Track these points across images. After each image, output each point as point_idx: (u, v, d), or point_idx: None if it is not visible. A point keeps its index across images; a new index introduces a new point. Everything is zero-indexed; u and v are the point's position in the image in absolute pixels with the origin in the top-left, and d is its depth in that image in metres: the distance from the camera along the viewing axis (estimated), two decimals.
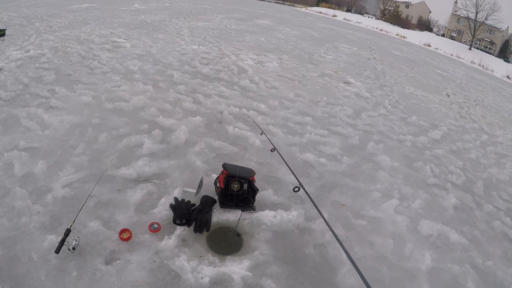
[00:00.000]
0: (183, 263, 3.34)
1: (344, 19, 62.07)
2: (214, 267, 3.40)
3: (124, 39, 12.40)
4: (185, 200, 4.06)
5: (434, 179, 6.45)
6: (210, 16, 23.86)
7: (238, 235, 3.92)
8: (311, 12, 66.62)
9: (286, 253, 3.81)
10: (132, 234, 3.57)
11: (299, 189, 3.40)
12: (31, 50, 9.33)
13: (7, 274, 3.01)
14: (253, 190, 4.33)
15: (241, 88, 9.06)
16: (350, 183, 5.58)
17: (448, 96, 14.72)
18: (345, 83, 12.12)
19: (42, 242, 3.31)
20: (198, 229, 3.75)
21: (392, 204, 5.11)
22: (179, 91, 7.99)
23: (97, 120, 5.97)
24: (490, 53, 66.22)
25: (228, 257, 3.57)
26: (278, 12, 43.29)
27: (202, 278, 3.24)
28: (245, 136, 6.33)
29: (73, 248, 3.21)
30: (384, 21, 78.20)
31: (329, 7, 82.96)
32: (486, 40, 72.93)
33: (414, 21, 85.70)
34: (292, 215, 4.28)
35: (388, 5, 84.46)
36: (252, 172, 4.38)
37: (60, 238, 3.21)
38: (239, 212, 4.11)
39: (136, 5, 23.76)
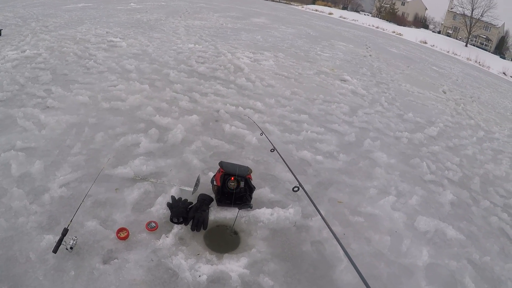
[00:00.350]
0: (181, 261, 3.35)
1: (340, 17, 62.15)
2: (212, 265, 3.40)
3: (120, 38, 12.38)
4: (182, 199, 4.07)
5: (431, 176, 6.47)
6: (206, 14, 23.83)
7: (235, 233, 3.93)
8: (307, 10, 66.60)
9: (284, 251, 3.82)
10: (130, 233, 3.57)
11: (298, 189, 3.41)
12: (27, 50, 9.31)
13: (5, 274, 3.01)
14: (250, 188, 4.33)
15: (238, 87, 9.07)
16: (347, 180, 5.59)
17: (445, 92, 14.74)
18: (342, 80, 12.13)
19: (40, 242, 3.31)
20: (195, 228, 3.75)
21: (389, 201, 5.12)
22: (176, 90, 7.98)
23: (93, 120, 5.97)
24: (486, 50, 66.44)
25: (226, 255, 3.58)
26: (274, 10, 43.27)
27: (199, 276, 3.24)
28: (242, 134, 6.33)
29: (71, 248, 3.21)
30: (380, 18, 78.32)
31: (325, 5, 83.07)
32: (482, 37, 73.11)
33: (410, 18, 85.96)
34: (289, 213, 4.28)
35: (384, 2, 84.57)
36: (249, 170, 4.39)
37: (57, 238, 3.21)
38: (236, 210, 4.11)
39: (132, 4, 23.71)
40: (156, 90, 7.85)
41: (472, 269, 4.28)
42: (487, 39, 74.00)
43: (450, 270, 4.17)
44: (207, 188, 4.47)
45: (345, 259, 3.78)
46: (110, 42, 11.59)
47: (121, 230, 3.57)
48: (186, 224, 3.81)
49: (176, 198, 4.06)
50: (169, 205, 3.95)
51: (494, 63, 45.56)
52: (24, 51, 9.22)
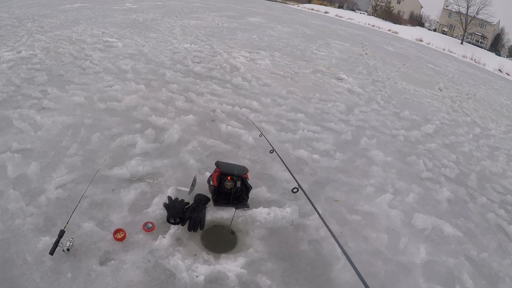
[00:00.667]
0: (178, 262, 3.34)
1: (336, 16, 62.16)
2: (209, 265, 3.40)
3: (116, 38, 12.35)
4: (179, 199, 4.06)
5: (428, 173, 6.48)
6: (202, 14, 23.80)
7: (232, 232, 3.93)
8: (303, 9, 66.52)
9: (281, 250, 3.82)
10: (126, 234, 3.56)
11: (298, 190, 3.41)
12: (23, 51, 9.27)
13: (2, 276, 3.00)
14: (246, 188, 4.33)
15: (234, 86, 9.06)
16: (343, 179, 5.60)
17: (441, 90, 14.77)
18: (338, 79, 12.14)
19: (36, 244, 3.30)
20: (192, 228, 3.75)
21: (386, 199, 5.13)
22: (172, 90, 7.97)
23: (89, 121, 5.95)
24: (481, 47, 66.63)
25: (223, 255, 3.58)
26: (270, 9, 43.24)
27: (197, 276, 3.24)
28: (238, 134, 6.32)
29: (68, 249, 3.20)
30: (376, 17, 78.39)
31: (321, 4, 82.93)
32: (478, 34, 73.32)
33: (405, 16, 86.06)
34: (286, 212, 4.29)
35: (379, 1, 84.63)
36: (245, 170, 4.39)
37: (54, 240, 3.19)
38: (233, 210, 4.11)
39: (128, 4, 23.66)
40: (152, 90, 7.83)
41: (470, 265, 4.30)
42: (483, 37, 74.22)
43: (448, 267, 4.18)
44: (203, 188, 4.47)
45: (343, 258, 3.78)
46: (106, 43, 11.56)
47: (118, 231, 3.56)
48: (183, 224, 3.81)
49: (173, 199, 4.06)
50: (166, 206, 3.94)
51: (490, 60, 45.73)
52: (20, 52, 9.19)
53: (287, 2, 77.03)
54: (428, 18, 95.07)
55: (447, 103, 12.55)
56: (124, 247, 3.47)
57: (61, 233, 3.21)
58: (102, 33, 13.09)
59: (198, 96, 7.90)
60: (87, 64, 8.89)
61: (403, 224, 4.75)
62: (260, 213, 4.18)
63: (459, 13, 68.00)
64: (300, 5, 73.68)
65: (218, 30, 18.10)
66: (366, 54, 19.86)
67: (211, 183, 4.29)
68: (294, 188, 3.42)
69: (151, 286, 3.13)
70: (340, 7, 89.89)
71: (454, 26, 74.89)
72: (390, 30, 55.87)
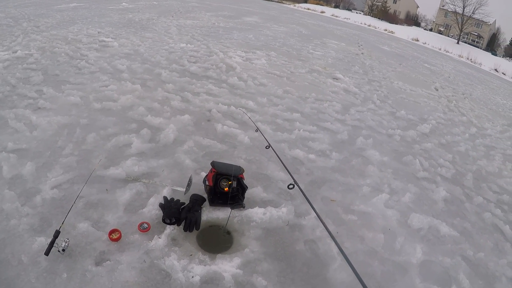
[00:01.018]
0: (174, 262, 3.34)
1: (332, 15, 62.24)
2: (205, 265, 3.39)
3: (112, 38, 12.32)
4: (175, 199, 4.05)
5: (424, 173, 6.49)
6: (198, 14, 23.78)
7: (228, 233, 3.92)
8: (299, 8, 66.55)
9: (277, 250, 3.81)
10: (122, 234, 3.56)
11: (293, 186, 3.41)
12: (19, 51, 9.24)
13: None
14: (242, 188, 4.33)
15: (230, 86, 9.05)
16: (339, 179, 5.60)
17: (437, 90, 14.81)
18: (334, 78, 12.14)
19: (32, 245, 3.29)
20: (188, 228, 3.74)
21: (382, 199, 5.13)
22: (168, 90, 7.96)
23: (85, 120, 5.93)
24: (477, 47, 66.85)
25: (219, 255, 3.57)
26: (266, 9, 43.25)
27: (192, 277, 3.24)
28: (234, 133, 6.32)
29: (63, 250, 3.19)
30: (372, 16, 78.49)
31: (317, 4, 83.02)
32: (474, 34, 73.54)
33: (402, 16, 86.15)
34: (282, 212, 4.29)
35: (376, 0, 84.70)
36: (241, 170, 4.39)
37: (49, 240, 3.19)
38: (228, 210, 4.10)
39: (124, 4, 23.62)
40: (148, 90, 7.82)
41: (466, 265, 4.31)
42: (479, 36, 74.42)
43: (444, 267, 4.19)
44: (199, 188, 4.46)
45: (339, 258, 3.78)
46: (102, 42, 11.54)
47: (113, 231, 3.55)
48: (178, 224, 3.80)
49: (168, 199, 4.05)
50: (161, 206, 3.93)
51: (486, 60, 45.86)
52: (16, 52, 9.16)
53: (283, 1, 77.07)
54: (424, 17, 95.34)
55: (443, 103, 12.58)
56: (120, 247, 3.46)
57: (57, 234, 3.21)
58: (98, 32, 13.06)
59: (194, 96, 7.89)
60: (82, 64, 8.87)
61: (399, 224, 4.75)
62: (256, 213, 4.18)
63: (455, 12, 68.15)
64: (296, 4, 73.73)
65: (214, 29, 18.09)
66: (362, 53, 19.89)
67: (207, 183, 4.28)
68: (290, 184, 3.43)
69: (146, 286, 3.12)
70: (336, 6, 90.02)
71: (450, 26, 75.11)
72: (386, 30, 55.96)
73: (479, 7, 65.77)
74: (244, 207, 4.26)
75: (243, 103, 7.88)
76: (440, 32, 77.13)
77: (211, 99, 7.83)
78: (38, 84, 7.26)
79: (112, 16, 17.57)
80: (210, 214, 4.10)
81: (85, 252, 3.33)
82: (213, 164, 4.36)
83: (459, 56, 44.76)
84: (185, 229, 3.74)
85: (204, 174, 4.68)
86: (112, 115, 6.30)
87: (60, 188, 4.18)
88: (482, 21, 70.92)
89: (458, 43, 61.70)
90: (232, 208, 4.12)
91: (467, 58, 44.07)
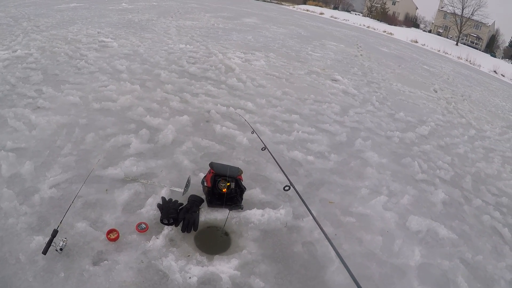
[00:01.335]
0: (171, 263, 3.33)
1: (331, 17, 62.32)
2: (202, 266, 3.39)
3: (111, 38, 12.32)
4: (173, 200, 4.05)
5: (423, 175, 6.49)
6: (197, 15, 23.78)
7: (226, 234, 3.92)
8: (298, 10, 66.64)
9: (275, 252, 3.81)
10: (120, 235, 3.55)
11: (289, 188, 3.41)
12: (18, 50, 9.25)
13: None
14: (240, 189, 4.33)
15: (229, 87, 9.05)
16: (338, 180, 5.60)
17: (436, 91, 14.82)
18: (333, 80, 12.15)
19: (30, 243, 3.29)
20: (186, 229, 3.74)
21: (381, 201, 5.13)
22: (167, 91, 7.96)
23: (84, 120, 5.93)
24: (476, 48, 66.95)
25: (216, 256, 3.57)
26: (265, 10, 43.28)
27: (190, 277, 3.23)
28: (233, 134, 6.32)
29: (61, 249, 3.19)
30: (371, 18, 78.54)
31: (316, 5, 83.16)
32: (473, 36, 73.62)
33: (401, 17, 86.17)
34: (280, 214, 4.28)
35: (375, 2, 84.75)
36: (239, 171, 4.39)
37: (47, 239, 3.19)
38: (226, 211, 4.10)
39: (123, 4, 23.61)
40: (147, 90, 7.82)
41: (465, 268, 4.30)
42: (478, 38, 74.48)
43: (443, 270, 4.18)
44: (197, 189, 4.45)
45: (337, 260, 3.77)
46: (102, 42, 11.54)
47: (111, 231, 3.55)
48: (176, 225, 3.80)
49: (167, 199, 4.05)
50: (160, 206, 3.93)
51: (485, 61, 45.94)
52: (15, 51, 9.16)
53: (282, 3, 77.12)
54: (423, 19, 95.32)
55: (442, 105, 12.59)
56: (117, 247, 3.46)
57: (54, 233, 3.21)
58: (98, 33, 13.06)
59: (193, 96, 7.89)
60: (82, 64, 8.87)
61: (398, 226, 4.75)
62: (254, 214, 4.17)
63: (454, 14, 68.18)
64: (295, 6, 73.83)
65: (213, 30, 18.10)
66: (361, 55, 19.92)
67: (205, 184, 4.28)
68: (286, 186, 3.43)
69: (144, 287, 3.12)
70: (335, 8, 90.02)
71: (449, 27, 75.14)
72: (385, 31, 56.03)
73: (478, 8, 65.85)
74: (242, 209, 4.26)
75: (242, 104, 7.88)
76: (439, 34, 77.21)
77: (210, 100, 7.83)
78: (37, 83, 7.26)
79: (112, 17, 17.56)
80: (208, 215, 4.10)
81: (83, 252, 3.33)
82: (212, 165, 4.37)
83: (458, 57, 44.85)
84: (183, 230, 3.74)
85: (202, 175, 4.68)
86: (111, 115, 6.30)
87: (59, 188, 4.18)
88: (481, 22, 70.96)
89: (457, 44, 61.80)
90: (230, 209, 4.12)
91: (466, 60, 44.16)
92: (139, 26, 15.96)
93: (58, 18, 15.29)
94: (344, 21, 58.27)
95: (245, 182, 4.48)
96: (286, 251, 3.86)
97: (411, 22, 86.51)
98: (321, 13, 65.82)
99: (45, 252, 3.10)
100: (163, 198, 4.07)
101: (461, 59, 44.35)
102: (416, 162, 6.82)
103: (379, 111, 9.75)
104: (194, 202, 4.09)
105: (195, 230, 3.80)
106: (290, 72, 11.99)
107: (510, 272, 4.48)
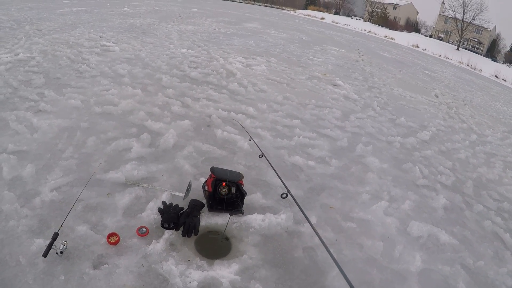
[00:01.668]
0: (171, 267, 3.33)
1: (332, 22, 62.39)
2: (203, 271, 3.39)
3: (113, 42, 12.35)
4: (173, 204, 4.05)
5: (424, 180, 6.48)
6: (199, 19, 23.84)
7: (227, 239, 3.92)
8: (300, 15, 66.84)
9: (275, 257, 3.80)
10: (120, 238, 3.55)
11: (287, 195, 3.41)
12: (21, 54, 9.28)
13: None
14: (241, 194, 4.32)
15: (230, 92, 9.06)
16: (339, 186, 5.59)
17: (437, 96, 14.82)
18: (334, 85, 12.16)
19: (30, 246, 3.29)
20: (186, 233, 3.73)
21: (382, 206, 5.12)
22: (168, 95, 7.97)
23: (85, 124, 5.94)
24: (477, 53, 66.87)
25: (217, 261, 3.56)
26: (267, 15, 43.40)
27: (190, 282, 3.23)
28: (234, 139, 6.32)
29: (61, 252, 3.19)
30: (372, 23, 78.56)
31: (317, 10, 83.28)
32: (474, 40, 73.64)
33: (402, 22, 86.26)
34: (281, 219, 4.28)
35: (376, 7, 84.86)
36: (240, 176, 4.38)
37: (48, 242, 3.19)
38: (227, 216, 4.10)
39: (125, 9, 23.68)
40: (149, 94, 7.83)
41: (466, 274, 4.29)
42: (479, 42, 74.50)
43: (444, 275, 4.17)
44: (198, 193, 4.45)
45: None
46: (103, 47, 11.57)
47: (111, 235, 3.55)
48: (177, 229, 3.80)
49: (167, 204, 4.05)
50: (160, 211, 3.93)
51: (486, 66, 45.87)
52: (18, 54, 9.20)
53: (284, 8, 77.33)
54: (424, 24, 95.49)
55: (443, 110, 12.59)
56: (118, 251, 3.45)
57: (55, 236, 3.21)
58: (100, 37, 13.10)
59: (194, 101, 7.90)
60: (84, 68, 8.89)
61: (399, 231, 4.74)
62: (254, 219, 4.17)
63: (455, 19, 68.16)
64: (297, 11, 74.08)
65: (215, 35, 18.14)
66: (362, 60, 19.93)
67: (206, 189, 4.28)
68: (283, 193, 3.43)
69: None
70: (336, 13, 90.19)
71: (450, 32, 75.20)
72: (386, 36, 56.06)
73: (479, 13, 65.82)
74: (243, 213, 4.26)
75: (243, 109, 7.88)
76: (440, 39, 77.24)
77: (211, 105, 7.83)
78: (39, 87, 7.29)
79: (114, 21, 17.61)
80: (209, 220, 4.10)
81: (83, 255, 3.33)
82: (213, 170, 4.36)
83: (459, 62, 44.81)
84: (184, 234, 3.74)
85: (203, 179, 4.68)
86: (113, 119, 6.30)
87: (60, 191, 4.18)
88: (482, 27, 71.01)
89: (458, 49, 61.73)
90: (231, 214, 4.12)
91: (467, 65, 44.12)
92: (140, 30, 16.01)
93: (61, 22, 15.34)
94: (345, 26, 58.36)
95: (246, 187, 4.48)
96: (286, 256, 3.86)
97: (412, 27, 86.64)
98: (322, 18, 65.94)
99: (45, 255, 3.10)
100: (163, 203, 4.07)
101: (462, 63, 44.31)
102: (417, 167, 6.81)
103: (380, 116, 9.75)
104: (195, 207, 4.08)
105: (195, 234, 3.79)
106: (291, 77, 12.00)
107: (511, 277, 4.46)
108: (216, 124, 6.86)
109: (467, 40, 72.02)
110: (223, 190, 4.19)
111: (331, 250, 2.70)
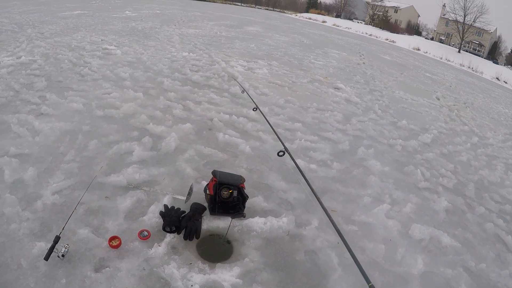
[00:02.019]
0: (173, 270, 3.33)
1: (334, 25, 62.48)
2: (204, 274, 3.38)
3: (115, 46, 12.39)
4: (175, 208, 4.05)
5: (425, 183, 6.47)
6: (200, 23, 23.90)
7: (228, 242, 3.91)
8: (301, 18, 66.96)
9: (277, 260, 3.80)
10: (122, 242, 3.55)
11: (284, 154, 3.40)
12: (23, 57, 9.33)
13: None
14: (243, 197, 4.32)
15: (231, 95, 9.05)
16: (340, 189, 5.58)
17: (438, 99, 14.80)
18: (335, 88, 12.15)
19: (32, 249, 3.29)
20: (188, 237, 3.73)
21: (383, 209, 5.11)
22: (169, 98, 7.98)
23: (87, 127, 5.95)
24: (479, 55, 66.94)
25: (218, 264, 3.56)
26: (268, 18, 43.47)
27: (192, 285, 3.23)
28: (235, 143, 6.32)
29: (63, 255, 3.19)
30: (373, 26, 78.71)
31: (318, 13, 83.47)
32: (475, 43, 73.68)
33: (403, 25, 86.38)
34: (283, 222, 4.27)
35: (377, 10, 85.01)
36: (241, 179, 4.38)
37: (49, 245, 3.19)
38: (229, 219, 4.09)
39: (127, 12, 23.75)
40: (150, 98, 7.84)
41: (468, 276, 4.27)
42: (480, 45, 74.55)
43: (446, 278, 4.16)
44: (200, 197, 4.45)
45: (339, 269, 3.78)
46: (105, 50, 11.61)
47: (113, 238, 3.55)
48: (178, 233, 3.80)
49: (169, 207, 4.05)
50: (162, 214, 3.93)
51: (487, 68, 45.86)
52: (20, 58, 9.25)
53: (285, 11, 77.46)
54: (425, 27, 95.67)
55: (444, 112, 12.57)
56: (119, 254, 3.45)
57: (57, 239, 3.21)
58: (101, 40, 13.15)
59: (196, 104, 7.91)
60: (85, 71, 8.92)
61: (400, 234, 4.73)
62: (256, 222, 4.17)
63: (456, 21, 68.16)
64: (298, 14, 74.22)
65: (216, 39, 18.18)
66: (364, 63, 19.94)
67: (208, 192, 4.28)
68: (280, 151, 3.42)
69: None
70: (337, 16, 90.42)
71: (451, 35, 75.24)
72: (388, 39, 56.06)
73: (480, 15, 65.79)
74: (244, 217, 4.25)
75: (245, 113, 7.88)
76: (441, 41, 77.33)
77: (213, 108, 7.84)
78: (41, 90, 7.31)
79: (116, 24, 17.67)
80: (211, 223, 4.10)
81: (85, 258, 3.33)
82: (214, 173, 4.36)
83: (460, 65, 44.80)
84: (185, 238, 3.74)
85: (205, 183, 4.67)
86: (114, 123, 6.31)
87: (61, 194, 4.19)
88: (483, 29, 71.01)
89: (459, 52, 61.74)
90: (232, 217, 4.12)
91: (469, 67, 44.13)
92: (142, 34, 16.05)
93: (62, 25, 15.40)
94: (346, 29, 58.49)
95: (247, 190, 4.48)
96: (288, 259, 3.85)
97: (413, 29, 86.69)
98: (324, 21, 66.09)
99: (47, 258, 3.10)
100: (165, 206, 4.07)
101: (463, 66, 44.30)
102: (418, 170, 6.81)
103: (382, 119, 9.74)
104: (197, 210, 4.08)
105: (197, 238, 3.79)
106: (293, 80, 12.00)
107: None
108: (218, 128, 6.86)
109: (468, 42, 72.02)
110: (225, 193, 4.19)
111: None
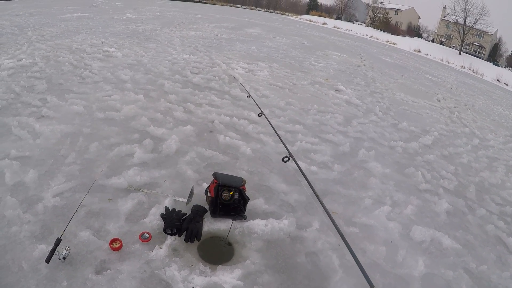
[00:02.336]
0: (174, 272, 3.33)
1: (334, 27, 62.53)
2: (205, 276, 3.38)
3: (115, 48, 12.40)
4: (176, 210, 4.05)
5: (426, 185, 6.46)
6: (201, 25, 23.92)
7: (229, 244, 3.91)
8: (301, 20, 67.00)
9: (278, 262, 3.80)
10: (123, 244, 3.55)
11: (288, 159, 3.41)
12: (23, 59, 9.33)
13: None
14: (244, 199, 4.32)
15: (232, 97, 9.06)
16: (341, 191, 5.58)
17: (439, 101, 14.79)
18: (336, 90, 12.15)
19: (33, 252, 3.29)
20: (189, 239, 3.73)
21: (384, 211, 5.11)
22: (170, 101, 7.98)
23: (88, 130, 5.95)
24: (479, 57, 66.96)
25: (219, 266, 3.55)
26: (268, 20, 43.50)
27: (193, 287, 3.23)
28: (236, 145, 6.32)
29: (64, 258, 3.19)
30: (374, 28, 78.77)
31: (319, 15, 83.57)
32: (476, 44, 73.72)
33: (403, 27, 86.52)
34: (284, 224, 4.27)
35: (377, 12, 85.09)
36: (242, 181, 4.38)
37: (50, 248, 3.19)
38: (230, 221, 4.09)
39: (127, 14, 23.78)
40: (151, 100, 7.84)
41: (469, 278, 4.26)
42: (481, 47, 74.58)
43: (447, 280, 4.15)
44: (201, 199, 4.45)
45: (340, 271, 3.78)
46: (106, 52, 11.62)
47: (114, 240, 3.55)
48: (179, 235, 3.80)
49: (170, 209, 4.05)
50: (163, 216, 3.93)
51: (488, 70, 45.87)
52: (20, 60, 9.25)
53: (286, 13, 77.55)
54: (426, 28, 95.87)
55: (445, 114, 12.56)
56: (120, 256, 3.45)
57: (58, 241, 3.21)
58: (102, 42, 13.16)
59: (197, 107, 7.91)
60: (86, 74, 8.92)
61: (401, 236, 4.73)
62: (257, 225, 4.16)
63: (456, 23, 68.15)
64: (299, 16, 74.29)
65: (217, 41, 18.20)
66: (364, 65, 19.94)
67: (209, 194, 4.28)
68: (285, 157, 3.42)
69: None
70: (338, 18, 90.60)
71: (452, 37, 75.31)
72: (388, 41, 56.12)
73: (481, 17, 65.76)
74: (245, 219, 4.25)
75: (246, 115, 7.87)
76: (441, 43, 77.40)
77: (214, 110, 7.84)
78: (42, 92, 7.31)
79: (116, 27, 17.69)
80: (212, 225, 4.09)
81: (86, 261, 3.33)
82: (215, 175, 4.36)
83: (461, 66, 44.76)
84: (186, 240, 3.74)
85: (206, 185, 4.68)
86: (115, 125, 6.31)
87: (62, 196, 4.19)
88: (483, 31, 71.07)
89: (460, 53, 61.76)
90: (233, 220, 4.12)
91: (469, 69, 44.11)
92: (143, 36, 16.07)
93: (63, 27, 15.42)
94: (347, 31, 58.50)
95: (248, 192, 4.48)
96: (289, 261, 3.85)
97: (414, 31, 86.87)
98: (324, 23, 66.15)
99: (48, 260, 3.10)
100: (166, 208, 4.07)
101: (464, 68, 44.27)
102: (419, 172, 6.80)
103: (382, 121, 9.74)
104: (198, 212, 4.08)
105: (198, 240, 3.79)
106: (294, 83, 12.00)
107: None
108: (219, 130, 6.86)
109: (468, 44, 72.06)
110: (226, 195, 4.19)
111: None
